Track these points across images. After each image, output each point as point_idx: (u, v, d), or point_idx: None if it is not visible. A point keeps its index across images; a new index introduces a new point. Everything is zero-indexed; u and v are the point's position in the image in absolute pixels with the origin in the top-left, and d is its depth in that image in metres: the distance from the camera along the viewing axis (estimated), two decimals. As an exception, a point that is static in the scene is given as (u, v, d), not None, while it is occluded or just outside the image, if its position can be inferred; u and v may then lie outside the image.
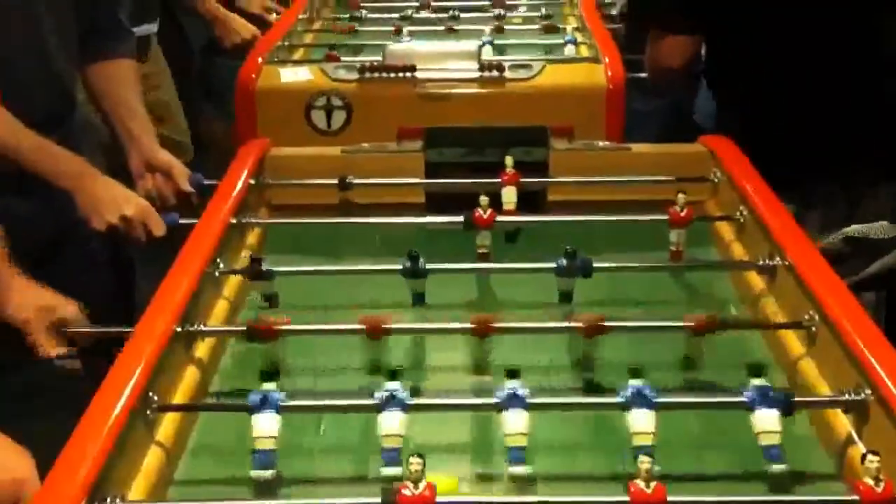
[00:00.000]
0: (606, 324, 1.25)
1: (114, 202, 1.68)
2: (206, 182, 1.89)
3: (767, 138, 1.74)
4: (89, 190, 1.70)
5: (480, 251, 1.53)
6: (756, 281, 1.45)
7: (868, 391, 1.07)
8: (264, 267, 1.41)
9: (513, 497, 1.06)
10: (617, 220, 1.60)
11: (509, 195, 1.66)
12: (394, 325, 1.26)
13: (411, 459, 0.93)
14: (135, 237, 1.70)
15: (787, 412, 1.08)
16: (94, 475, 0.94)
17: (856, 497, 0.92)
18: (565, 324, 1.29)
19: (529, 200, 1.72)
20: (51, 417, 1.07)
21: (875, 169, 2.05)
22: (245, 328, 1.26)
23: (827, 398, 1.14)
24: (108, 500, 0.94)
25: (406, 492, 0.91)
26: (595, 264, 1.40)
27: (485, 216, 1.53)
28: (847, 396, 1.09)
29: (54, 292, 1.42)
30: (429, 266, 1.40)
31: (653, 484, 0.92)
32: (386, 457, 1.05)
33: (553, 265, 1.39)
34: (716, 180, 1.72)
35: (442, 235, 1.62)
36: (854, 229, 1.71)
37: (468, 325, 1.26)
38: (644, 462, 0.93)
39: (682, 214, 1.52)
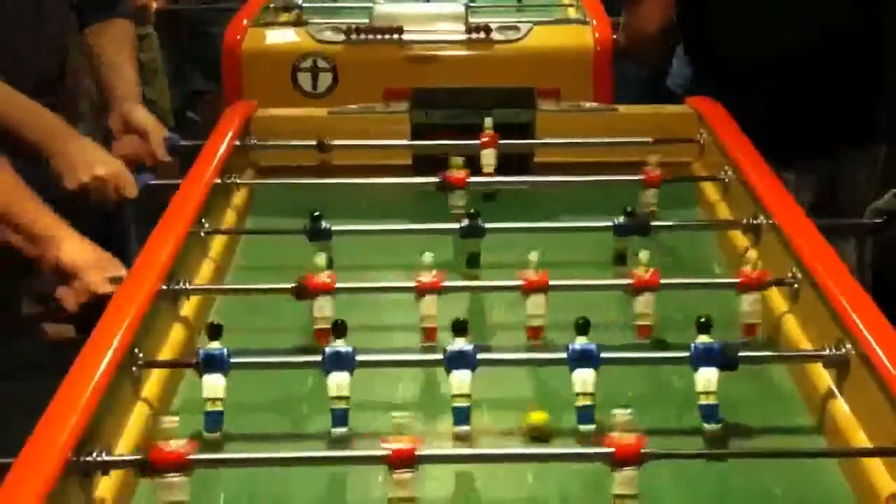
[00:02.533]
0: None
1: (86, 162, 1.67)
2: (182, 143, 1.89)
3: (743, 104, 1.74)
4: (62, 149, 1.68)
5: (455, 212, 1.52)
6: (741, 240, 1.46)
7: (849, 346, 1.08)
8: (323, 225, 1.40)
9: (500, 449, 1.06)
10: (590, 181, 1.60)
11: (488, 157, 1.66)
12: (447, 283, 1.24)
13: (394, 414, 0.93)
14: (105, 197, 1.68)
15: (730, 368, 1.08)
16: (80, 428, 0.94)
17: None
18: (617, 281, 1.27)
19: (516, 162, 1.73)
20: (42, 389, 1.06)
21: (852, 133, 2.06)
22: (293, 285, 1.23)
23: (808, 353, 1.15)
24: (95, 453, 0.94)
25: (390, 445, 0.92)
26: (578, 223, 1.41)
27: (460, 176, 1.53)
28: (828, 352, 1.10)
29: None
30: (488, 225, 1.39)
31: (630, 436, 0.92)
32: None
33: (610, 224, 1.40)
34: (702, 141, 1.73)
35: (427, 196, 1.63)
36: None
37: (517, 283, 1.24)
38: (622, 415, 0.93)
39: (655, 175, 1.52)
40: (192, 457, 0.93)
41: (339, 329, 1.09)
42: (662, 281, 1.24)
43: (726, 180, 1.58)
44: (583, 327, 1.09)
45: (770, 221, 1.38)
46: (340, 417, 1.06)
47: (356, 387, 1.08)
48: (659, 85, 2.50)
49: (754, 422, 1.10)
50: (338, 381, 1.06)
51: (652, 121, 1.79)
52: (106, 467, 0.95)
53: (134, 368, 1.09)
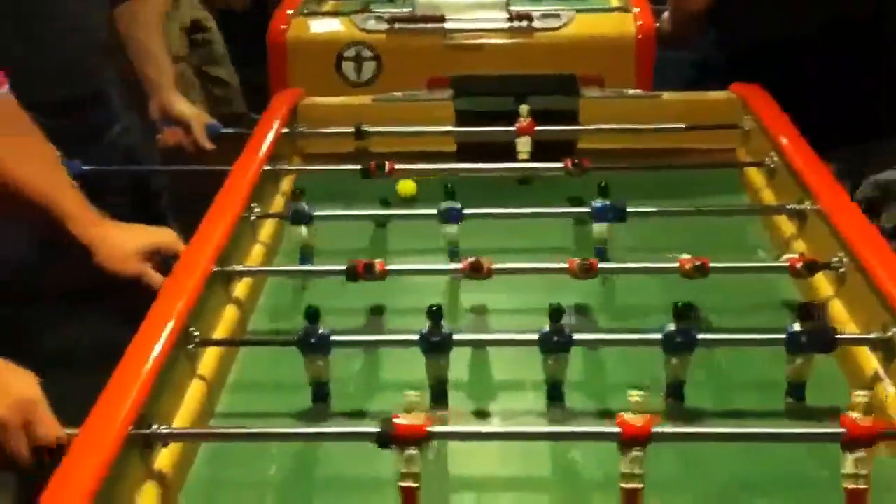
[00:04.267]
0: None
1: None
2: (224, 130, 1.92)
3: (777, 92, 1.74)
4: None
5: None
6: (787, 226, 1.46)
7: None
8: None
9: (511, 427, 1.08)
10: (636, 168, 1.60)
11: (524, 144, 1.67)
12: (495, 266, 1.26)
13: (407, 392, 0.95)
14: None
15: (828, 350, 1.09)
16: (139, 404, 0.97)
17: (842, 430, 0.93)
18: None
19: (560, 149, 1.73)
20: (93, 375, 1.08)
21: (884, 121, 2.05)
22: (345, 267, 1.25)
23: (855, 336, 1.15)
24: (153, 427, 0.97)
25: (401, 421, 0.93)
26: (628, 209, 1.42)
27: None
28: (875, 335, 1.10)
29: (144, 227, 1.41)
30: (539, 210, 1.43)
31: (642, 416, 0.93)
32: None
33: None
34: (746, 127, 1.72)
35: (472, 183, 1.65)
36: (883, 176, 1.71)
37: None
38: (634, 395, 0.95)
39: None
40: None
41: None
42: (713, 265, 1.24)
43: (772, 166, 1.58)
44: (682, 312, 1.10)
45: (815, 207, 1.37)
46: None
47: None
48: (701, 73, 2.49)
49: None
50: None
51: (696, 107, 1.79)
52: (166, 439, 0.98)
53: (190, 346, 1.12)
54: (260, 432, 1.05)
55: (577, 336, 1.11)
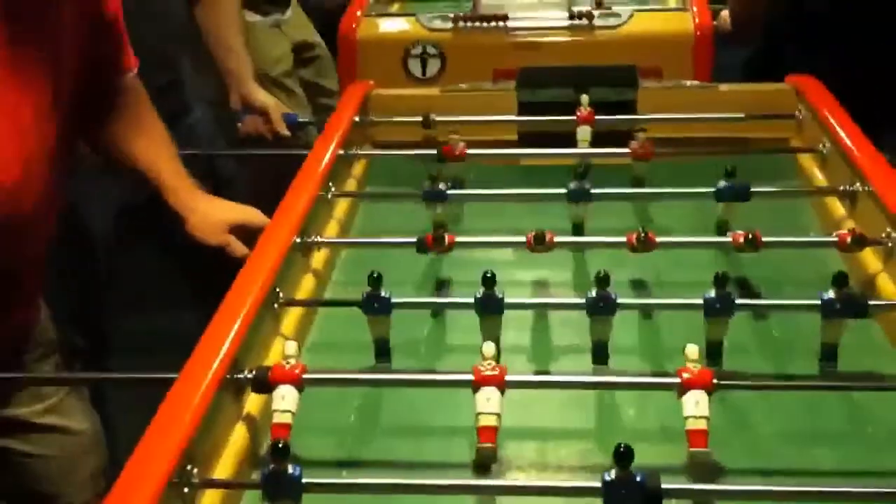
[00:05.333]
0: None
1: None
2: (300, 120, 2.03)
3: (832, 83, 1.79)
4: None
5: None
6: (837, 207, 1.51)
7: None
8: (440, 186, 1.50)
9: (575, 377, 1.15)
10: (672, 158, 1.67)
11: (583, 133, 1.75)
12: (558, 239, 1.33)
13: (486, 344, 1.05)
14: None
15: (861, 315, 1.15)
16: (233, 352, 1.07)
17: None
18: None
19: (618, 138, 1.80)
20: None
21: None
22: (416, 239, 1.35)
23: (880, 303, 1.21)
24: (245, 372, 1.07)
25: (481, 369, 1.03)
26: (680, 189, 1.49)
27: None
28: (920, 300, 1.16)
29: (233, 203, 1.53)
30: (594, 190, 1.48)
31: (698, 367, 1.02)
32: None
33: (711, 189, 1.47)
34: (800, 117, 1.78)
35: (535, 171, 1.73)
36: None
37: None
38: (692, 348, 1.03)
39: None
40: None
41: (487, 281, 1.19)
42: (765, 239, 1.31)
43: (824, 152, 1.63)
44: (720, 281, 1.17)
45: (866, 188, 1.43)
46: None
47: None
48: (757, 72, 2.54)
49: (848, 369, 1.17)
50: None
51: (752, 98, 1.84)
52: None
53: (276, 306, 1.22)
54: (343, 378, 1.14)
55: (620, 300, 1.18)
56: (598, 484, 0.86)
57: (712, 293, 1.17)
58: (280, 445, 0.90)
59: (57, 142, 1.31)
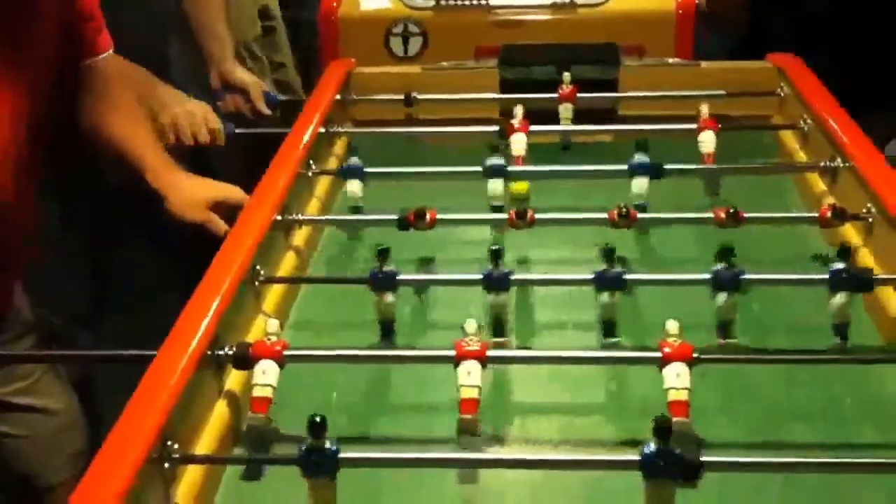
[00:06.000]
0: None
1: (179, 101, 1.79)
2: (280, 98, 2.01)
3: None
4: (157, 94, 1.78)
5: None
6: (818, 183, 1.52)
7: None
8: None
9: (560, 352, 1.15)
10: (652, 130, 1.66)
11: (566, 111, 1.74)
12: (539, 216, 1.33)
13: (469, 321, 1.05)
14: (196, 133, 1.78)
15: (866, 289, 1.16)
16: (212, 329, 1.06)
17: None
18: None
19: (601, 115, 1.80)
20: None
21: None
22: (398, 217, 1.34)
23: (881, 277, 1.22)
24: (226, 349, 1.07)
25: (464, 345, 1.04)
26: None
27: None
28: (902, 275, 1.17)
29: (212, 180, 1.53)
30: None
31: (679, 342, 1.02)
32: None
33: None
34: (782, 94, 1.78)
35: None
36: None
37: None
38: (672, 324, 1.04)
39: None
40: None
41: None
42: (746, 215, 1.31)
43: (805, 129, 1.64)
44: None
45: (847, 164, 1.43)
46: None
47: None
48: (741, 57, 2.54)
49: (826, 344, 1.18)
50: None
51: (733, 76, 1.84)
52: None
53: (256, 283, 1.21)
54: (325, 354, 1.13)
55: (630, 276, 1.18)
56: (637, 457, 0.86)
57: (718, 267, 1.16)
58: (317, 420, 0.87)
59: (35, 130, 1.31)
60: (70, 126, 1.45)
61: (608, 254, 1.17)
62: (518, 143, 1.58)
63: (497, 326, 1.19)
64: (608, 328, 1.19)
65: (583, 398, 1.14)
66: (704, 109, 1.63)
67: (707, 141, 1.57)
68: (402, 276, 1.20)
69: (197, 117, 1.79)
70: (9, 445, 1.46)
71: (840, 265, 1.15)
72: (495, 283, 1.18)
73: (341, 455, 0.89)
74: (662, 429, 0.85)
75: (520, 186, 1.51)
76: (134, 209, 1.76)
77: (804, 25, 2.20)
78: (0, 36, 1.26)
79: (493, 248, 1.18)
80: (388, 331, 1.21)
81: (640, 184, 1.44)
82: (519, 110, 1.64)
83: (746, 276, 1.17)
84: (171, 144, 1.78)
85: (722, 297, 1.17)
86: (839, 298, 1.15)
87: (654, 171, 1.46)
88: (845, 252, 1.16)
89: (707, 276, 1.17)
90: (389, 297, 1.19)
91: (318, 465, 0.89)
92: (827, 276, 1.16)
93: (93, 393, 1.84)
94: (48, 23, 1.32)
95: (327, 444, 0.89)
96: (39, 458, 1.47)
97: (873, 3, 2.09)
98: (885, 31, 2.09)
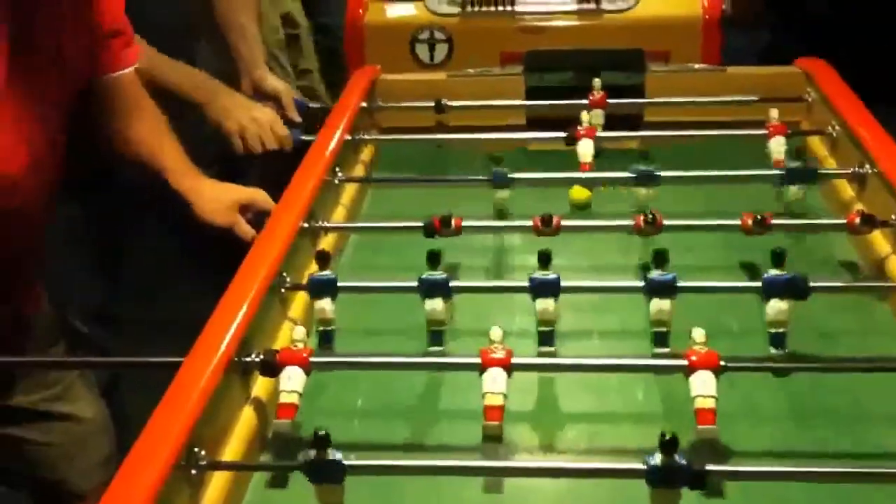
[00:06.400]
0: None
1: (244, 107, 1.81)
2: (311, 105, 2.02)
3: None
4: (215, 98, 1.81)
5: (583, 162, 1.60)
6: (846, 190, 1.51)
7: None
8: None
9: (583, 359, 1.14)
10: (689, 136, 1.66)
11: (597, 117, 1.74)
12: (565, 223, 1.33)
13: (494, 329, 1.06)
14: (263, 140, 1.79)
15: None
16: (240, 335, 1.07)
17: None
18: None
19: (627, 121, 1.80)
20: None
21: None
22: (423, 224, 1.34)
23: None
24: (253, 354, 1.07)
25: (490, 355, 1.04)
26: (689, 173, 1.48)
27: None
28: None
29: (237, 185, 1.54)
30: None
31: (705, 349, 1.02)
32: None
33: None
34: (809, 100, 1.77)
35: (541, 155, 1.72)
36: None
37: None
38: (699, 331, 1.04)
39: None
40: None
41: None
42: (773, 221, 1.30)
43: (834, 135, 1.62)
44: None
45: (875, 171, 1.42)
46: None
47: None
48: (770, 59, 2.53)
49: (852, 351, 1.17)
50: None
51: (761, 81, 1.83)
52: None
53: (283, 290, 1.22)
54: (351, 361, 1.14)
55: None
56: (642, 466, 0.87)
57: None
58: (322, 435, 0.90)
59: (59, 133, 1.33)
60: (86, 128, 1.46)
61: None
62: (585, 147, 1.59)
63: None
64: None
65: (607, 406, 1.13)
66: (774, 114, 1.63)
67: (776, 146, 1.58)
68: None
69: (264, 124, 1.80)
70: (38, 452, 1.47)
71: (775, 272, 1.14)
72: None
73: (348, 463, 0.91)
74: (668, 443, 0.86)
75: (580, 193, 1.51)
76: (147, 205, 1.79)
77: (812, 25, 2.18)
78: (43, 49, 1.28)
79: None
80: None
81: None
82: (585, 116, 1.64)
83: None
84: (241, 153, 1.80)
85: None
86: (775, 305, 1.14)
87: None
88: (778, 257, 1.15)
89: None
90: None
91: (323, 473, 0.91)
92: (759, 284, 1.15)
93: (121, 393, 1.86)
94: (83, 36, 1.34)
95: (331, 456, 0.90)
96: (68, 465, 1.49)
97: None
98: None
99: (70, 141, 1.38)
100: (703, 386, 1.00)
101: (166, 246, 2.12)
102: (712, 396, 0.99)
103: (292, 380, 1.05)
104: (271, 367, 1.07)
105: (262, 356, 1.07)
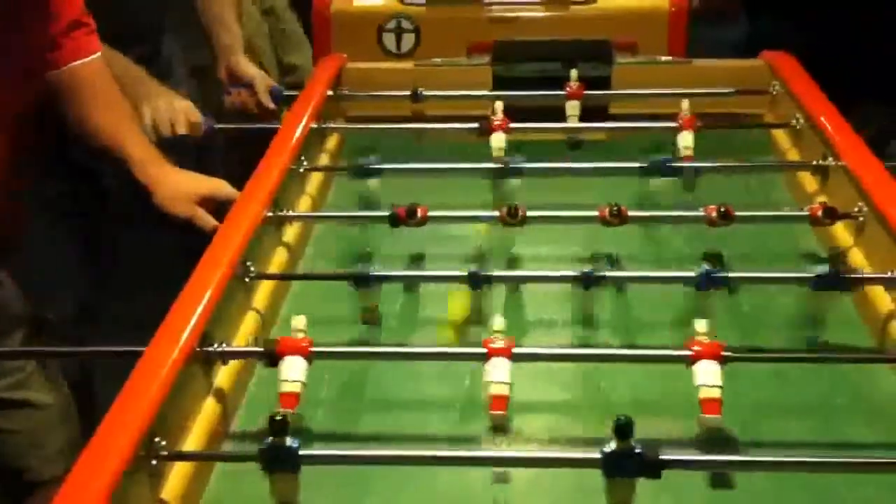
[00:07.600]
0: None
1: (163, 95, 1.76)
2: (287, 93, 2.00)
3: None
4: (144, 89, 1.75)
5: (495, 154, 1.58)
6: (809, 182, 1.52)
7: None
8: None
9: (588, 350, 1.15)
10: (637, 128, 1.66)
11: (573, 108, 1.73)
12: (530, 214, 1.33)
13: (496, 318, 1.06)
14: (163, 126, 1.74)
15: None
16: (202, 326, 1.06)
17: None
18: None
19: (593, 113, 1.80)
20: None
21: None
22: (389, 213, 1.33)
23: (870, 275, 1.22)
24: (215, 345, 1.06)
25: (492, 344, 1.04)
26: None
27: (498, 122, 1.61)
28: (890, 274, 1.17)
29: (201, 175, 1.52)
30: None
31: (708, 340, 1.02)
32: None
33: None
34: (774, 92, 1.78)
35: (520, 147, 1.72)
36: None
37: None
38: (701, 324, 1.03)
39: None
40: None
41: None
42: (737, 213, 1.31)
43: (797, 127, 1.63)
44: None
45: (838, 163, 1.43)
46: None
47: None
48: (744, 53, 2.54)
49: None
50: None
51: (726, 74, 1.84)
52: (225, 357, 1.07)
53: (247, 279, 1.21)
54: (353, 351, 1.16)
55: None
56: (598, 455, 0.87)
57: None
58: (278, 419, 0.89)
59: (17, 120, 1.31)
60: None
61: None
62: (497, 141, 1.57)
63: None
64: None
65: (566, 395, 1.13)
66: (685, 105, 1.62)
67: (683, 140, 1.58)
68: (385, 273, 1.20)
69: (177, 110, 1.78)
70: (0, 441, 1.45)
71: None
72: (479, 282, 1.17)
73: (303, 452, 0.89)
74: (622, 428, 0.85)
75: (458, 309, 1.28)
76: (134, 197, 1.77)
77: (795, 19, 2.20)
78: (10, 31, 1.26)
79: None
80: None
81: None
82: (499, 107, 1.63)
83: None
84: (163, 138, 1.77)
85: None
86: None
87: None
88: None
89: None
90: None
91: (279, 460, 0.90)
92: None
93: (92, 384, 1.83)
94: (52, 24, 1.32)
95: (288, 442, 0.89)
96: (31, 453, 1.47)
97: None
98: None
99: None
100: (707, 376, 1.00)
101: (151, 241, 2.10)
102: (718, 386, 1.00)
103: (295, 370, 1.04)
104: (272, 357, 1.05)
105: (262, 346, 1.07)
